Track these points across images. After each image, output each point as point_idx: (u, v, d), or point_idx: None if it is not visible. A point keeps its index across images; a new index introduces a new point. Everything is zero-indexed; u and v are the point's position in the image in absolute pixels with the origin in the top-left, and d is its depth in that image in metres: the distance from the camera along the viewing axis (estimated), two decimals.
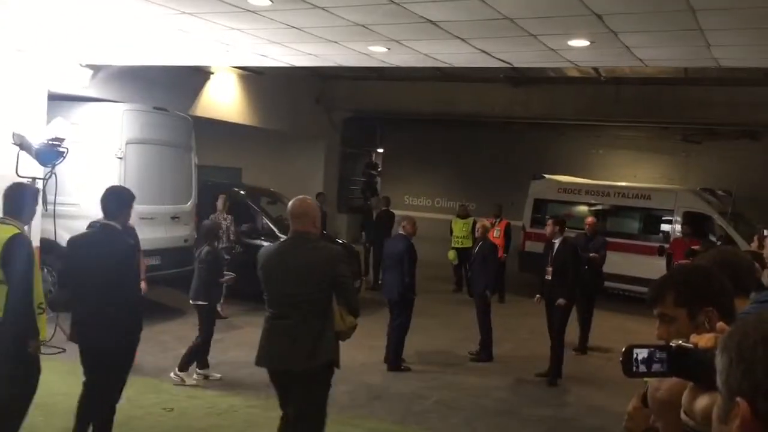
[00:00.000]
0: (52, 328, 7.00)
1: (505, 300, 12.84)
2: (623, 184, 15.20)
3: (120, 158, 9.38)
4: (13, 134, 7.68)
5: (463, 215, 14.24)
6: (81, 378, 4.81)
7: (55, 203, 7.87)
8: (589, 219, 10.43)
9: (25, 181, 7.82)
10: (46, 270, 8.26)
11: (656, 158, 18.10)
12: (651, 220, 14.10)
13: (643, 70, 11.38)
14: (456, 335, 9.43)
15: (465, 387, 7.76)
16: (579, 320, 9.28)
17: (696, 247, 9.66)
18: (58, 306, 6.97)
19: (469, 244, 12.96)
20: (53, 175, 7.90)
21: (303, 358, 4.24)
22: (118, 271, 4.68)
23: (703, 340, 1.33)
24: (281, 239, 4.82)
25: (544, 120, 16.75)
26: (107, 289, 4.61)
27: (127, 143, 9.51)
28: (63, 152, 7.94)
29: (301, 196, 4.61)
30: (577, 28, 5.93)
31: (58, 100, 9.02)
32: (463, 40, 6.55)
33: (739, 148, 16.46)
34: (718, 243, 11.99)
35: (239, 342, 8.95)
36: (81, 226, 5.60)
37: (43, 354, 5.55)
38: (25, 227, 4.77)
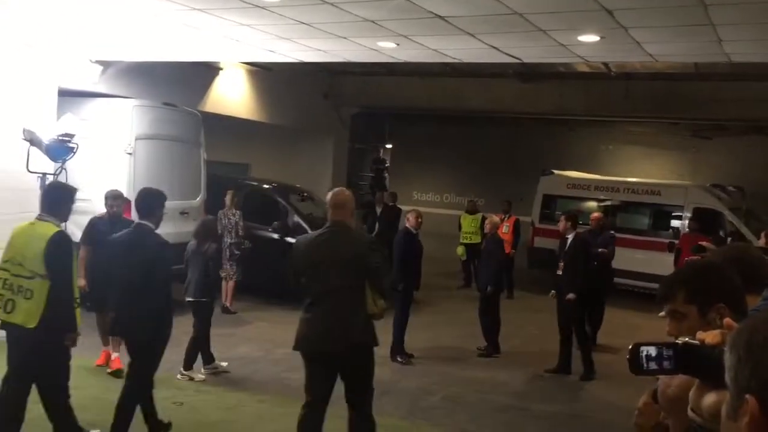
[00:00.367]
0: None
1: (513, 296, 12.82)
2: (633, 179, 15.14)
3: (129, 154, 9.41)
4: (24, 130, 7.73)
5: (471, 211, 14.22)
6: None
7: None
8: (594, 214, 10.36)
9: (35, 176, 7.90)
10: None
11: (666, 154, 18.03)
12: (661, 216, 14.04)
13: (653, 66, 11.32)
14: (464, 331, 9.43)
15: (472, 382, 7.76)
16: (587, 316, 9.25)
17: (705, 243, 9.57)
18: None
19: (477, 239, 12.94)
20: (63, 171, 7.95)
21: (348, 339, 4.56)
22: (150, 268, 4.94)
23: (710, 336, 1.33)
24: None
25: (553, 116, 16.69)
26: (139, 285, 4.90)
27: (136, 139, 9.54)
28: (73, 148, 7.98)
29: (340, 188, 5.02)
30: (588, 23, 5.91)
31: (68, 96, 9.06)
32: (472, 35, 6.53)
33: (749, 144, 16.37)
34: (729, 239, 11.94)
35: (248, 337, 8.99)
36: None
37: None
38: (62, 224, 4.99)
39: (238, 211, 10.37)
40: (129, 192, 9.27)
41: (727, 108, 13.75)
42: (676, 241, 12.89)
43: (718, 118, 14.85)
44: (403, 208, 14.45)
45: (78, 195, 5.72)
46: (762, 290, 2.38)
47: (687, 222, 13.33)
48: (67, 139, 7.91)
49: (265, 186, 12.13)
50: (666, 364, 1.34)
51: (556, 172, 15.35)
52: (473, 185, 19.22)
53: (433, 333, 9.57)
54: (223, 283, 10.15)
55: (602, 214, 10.60)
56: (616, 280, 10.99)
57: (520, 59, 7.93)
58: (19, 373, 4.70)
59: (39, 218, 4.82)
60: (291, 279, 4.93)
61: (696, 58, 8.97)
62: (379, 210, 14.78)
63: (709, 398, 1.24)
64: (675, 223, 13.77)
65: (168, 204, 6.71)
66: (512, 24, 5.98)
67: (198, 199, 10.77)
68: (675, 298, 1.95)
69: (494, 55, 7.45)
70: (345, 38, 7.09)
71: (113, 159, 9.35)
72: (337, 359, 4.59)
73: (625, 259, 12.75)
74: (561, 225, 8.53)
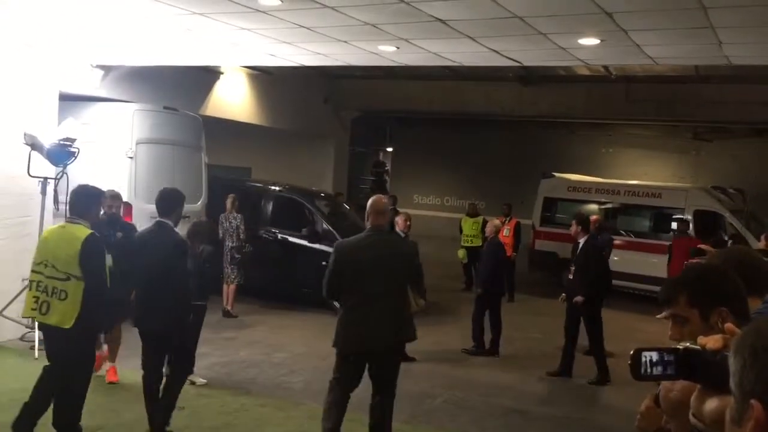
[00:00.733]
0: None
1: (514, 299, 12.80)
2: (634, 182, 15.14)
3: (130, 158, 9.42)
4: (25, 134, 7.74)
5: (472, 214, 14.22)
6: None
7: (66, 203, 7.90)
8: (593, 217, 10.27)
9: (37, 181, 7.91)
10: None
11: (667, 156, 18.02)
12: (662, 218, 14.03)
13: (653, 69, 11.33)
14: (465, 334, 9.41)
15: (474, 386, 7.75)
16: (584, 320, 9.23)
17: (704, 246, 9.56)
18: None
19: (478, 242, 12.94)
20: (65, 175, 7.94)
21: (392, 337, 4.94)
22: (168, 263, 5.23)
23: (711, 341, 1.32)
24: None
25: (553, 119, 16.69)
26: (158, 279, 5.20)
27: (137, 143, 9.55)
28: (74, 152, 7.98)
29: (378, 195, 5.43)
30: (588, 26, 5.91)
31: (69, 101, 9.07)
32: (472, 39, 6.54)
33: (750, 146, 16.36)
34: (729, 241, 11.93)
35: (250, 341, 8.98)
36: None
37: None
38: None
39: (239, 215, 10.38)
40: (130, 196, 9.29)
41: (728, 110, 13.75)
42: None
43: (718, 120, 14.84)
44: (400, 210, 14.45)
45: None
46: (763, 293, 2.37)
47: (676, 225, 13.32)
48: (68, 143, 7.91)
49: (292, 191, 12.18)
50: (667, 369, 1.34)
51: (556, 174, 15.35)
52: (474, 188, 19.22)
53: (435, 336, 9.56)
54: (224, 286, 10.16)
55: (600, 216, 10.54)
56: (617, 282, 10.96)
57: (520, 62, 7.93)
58: (57, 368, 4.99)
59: (69, 221, 5.01)
60: (330, 284, 4.97)
61: (696, 61, 8.97)
62: None
63: (711, 404, 1.24)
64: (676, 225, 13.76)
65: None
66: (512, 27, 5.99)
67: (199, 203, 10.78)
68: (677, 301, 1.95)
69: (495, 59, 7.45)
70: (345, 42, 7.10)
71: (114, 163, 9.36)
72: (372, 359, 4.93)
73: (625, 261, 12.75)
74: (572, 229, 8.50)
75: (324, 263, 5.60)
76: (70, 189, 7.97)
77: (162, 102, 10.44)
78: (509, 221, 13.33)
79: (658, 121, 15.93)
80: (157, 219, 5.42)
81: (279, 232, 11.23)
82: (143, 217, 9.27)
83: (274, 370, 7.81)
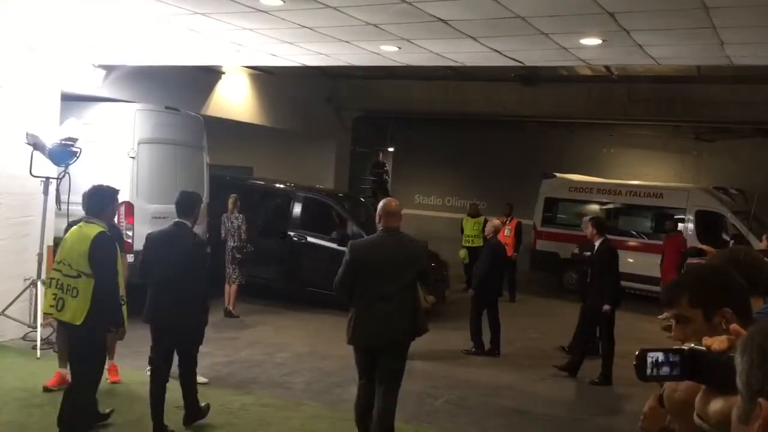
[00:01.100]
0: None
1: (516, 299, 12.80)
2: (635, 182, 15.13)
3: (132, 158, 9.42)
4: (27, 134, 7.74)
5: (474, 214, 14.22)
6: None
7: (68, 203, 7.92)
8: (585, 219, 10.17)
9: (39, 180, 7.92)
10: None
11: (668, 157, 18.00)
12: (663, 218, 14.02)
13: (655, 69, 11.32)
14: (466, 334, 9.40)
15: (475, 386, 7.75)
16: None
17: (705, 247, 9.59)
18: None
19: (480, 243, 12.95)
20: (67, 175, 7.95)
21: (404, 332, 5.24)
22: (187, 261, 5.49)
23: (717, 342, 1.33)
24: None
25: (555, 119, 16.68)
26: (180, 277, 5.40)
27: (139, 143, 9.55)
28: (76, 152, 7.99)
29: (389, 197, 5.74)
30: (590, 26, 5.91)
31: (71, 101, 9.08)
32: (474, 39, 6.54)
33: (752, 147, 16.34)
34: (731, 242, 11.93)
35: (252, 341, 8.99)
36: None
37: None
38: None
39: (241, 215, 10.39)
40: (132, 196, 9.29)
41: (730, 110, 13.73)
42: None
43: (720, 120, 14.82)
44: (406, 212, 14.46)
45: (80, 199, 5.91)
46: (765, 293, 2.37)
47: (690, 225, 13.33)
48: (70, 143, 7.92)
49: (321, 194, 12.33)
50: (673, 370, 1.34)
51: (558, 175, 15.34)
52: (475, 188, 19.19)
53: (436, 336, 9.55)
54: (226, 286, 10.17)
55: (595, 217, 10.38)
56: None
57: (522, 63, 7.93)
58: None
59: (86, 221, 5.18)
60: (343, 282, 5.24)
61: (698, 61, 8.97)
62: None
63: (716, 404, 1.24)
64: (678, 226, 13.75)
65: (171, 208, 6.85)
66: (514, 27, 5.99)
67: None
68: (679, 302, 1.94)
69: (496, 59, 7.45)
70: (347, 42, 7.10)
71: (116, 163, 9.35)
72: (382, 353, 5.22)
73: (627, 262, 12.73)
74: (588, 231, 8.52)
75: None
76: (72, 189, 8.07)
77: (164, 102, 10.44)
78: (510, 221, 13.33)
79: (660, 122, 15.91)
80: (176, 219, 5.68)
81: (309, 235, 11.31)
82: (145, 217, 9.29)
83: (276, 370, 7.82)
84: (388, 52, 7.50)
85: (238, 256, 10.18)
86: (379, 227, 5.34)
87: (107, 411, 5.71)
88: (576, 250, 9.77)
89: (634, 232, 14.09)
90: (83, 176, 8.73)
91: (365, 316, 5.20)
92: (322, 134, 16.62)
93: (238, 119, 13.48)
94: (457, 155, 19.70)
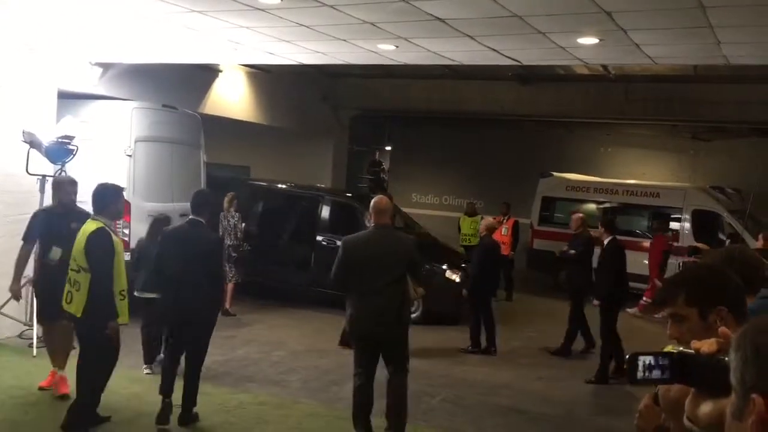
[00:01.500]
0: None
1: (512, 298, 12.82)
2: (632, 181, 15.15)
3: (129, 156, 9.40)
4: (23, 132, 7.73)
5: (471, 213, 14.24)
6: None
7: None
8: (574, 216, 10.04)
9: (35, 178, 7.90)
10: None
11: (665, 156, 18.02)
12: (660, 218, 14.05)
13: (652, 68, 11.33)
14: (464, 333, 9.43)
15: (473, 385, 7.76)
16: (569, 319, 9.22)
17: (699, 245, 9.63)
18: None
19: (477, 242, 12.94)
20: (63, 173, 7.93)
21: (395, 323, 5.45)
22: (202, 257, 5.63)
23: (705, 345, 1.33)
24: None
25: (552, 118, 16.68)
26: (197, 272, 5.55)
27: (136, 141, 9.53)
28: (73, 150, 7.98)
29: (380, 195, 6.00)
30: (587, 25, 5.91)
31: (67, 98, 9.06)
32: (471, 37, 6.54)
33: (748, 146, 16.37)
34: (728, 241, 11.96)
35: (248, 339, 8.99)
36: None
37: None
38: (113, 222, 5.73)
39: (237, 213, 10.38)
40: (129, 194, 9.27)
41: (727, 110, 13.75)
42: (676, 243, 12.92)
43: (717, 120, 14.84)
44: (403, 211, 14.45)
45: (78, 197, 5.95)
46: (758, 291, 2.38)
47: (686, 224, 13.34)
48: (66, 141, 7.90)
49: (347, 198, 12.39)
50: (663, 373, 1.35)
51: (555, 174, 15.36)
52: (473, 187, 19.19)
53: (433, 335, 9.58)
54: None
55: (584, 215, 10.25)
56: None
57: (519, 62, 7.94)
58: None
59: (92, 218, 5.36)
60: (337, 276, 5.50)
61: (695, 61, 8.98)
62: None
63: (706, 407, 1.25)
64: (674, 225, 13.78)
65: (168, 206, 6.90)
66: (511, 26, 5.99)
67: None
68: (675, 300, 1.95)
69: (493, 58, 7.46)
70: (344, 40, 7.09)
71: (113, 161, 9.34)
72: (380, 339, 5.44)
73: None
74: (598, 230, 8.67)
75: None
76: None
77: (161, 100, 10.42)
78: (507, 220, 13.35)
79: (657, 121, 15.93)
80: (190, 217, 5.86)
81: (338, 239, 11.25)
82: (141, 215, 9.27)
83: (273, 368, 7.82)
84: (386, 51, 7.50)
85: (234, 254, 10.17)
86: (371, 224, 5.60)
87: (106, 416, 5.65)
88: (564, 248, 9.75)
89: (631, 231, 14.10)
90: (80, 174, 8.74)
91: (359, 310, 5.43)
92: (320, 133, 16.61)
93: (235, 117, 13.47)
94: (454, 154, 19.70)
